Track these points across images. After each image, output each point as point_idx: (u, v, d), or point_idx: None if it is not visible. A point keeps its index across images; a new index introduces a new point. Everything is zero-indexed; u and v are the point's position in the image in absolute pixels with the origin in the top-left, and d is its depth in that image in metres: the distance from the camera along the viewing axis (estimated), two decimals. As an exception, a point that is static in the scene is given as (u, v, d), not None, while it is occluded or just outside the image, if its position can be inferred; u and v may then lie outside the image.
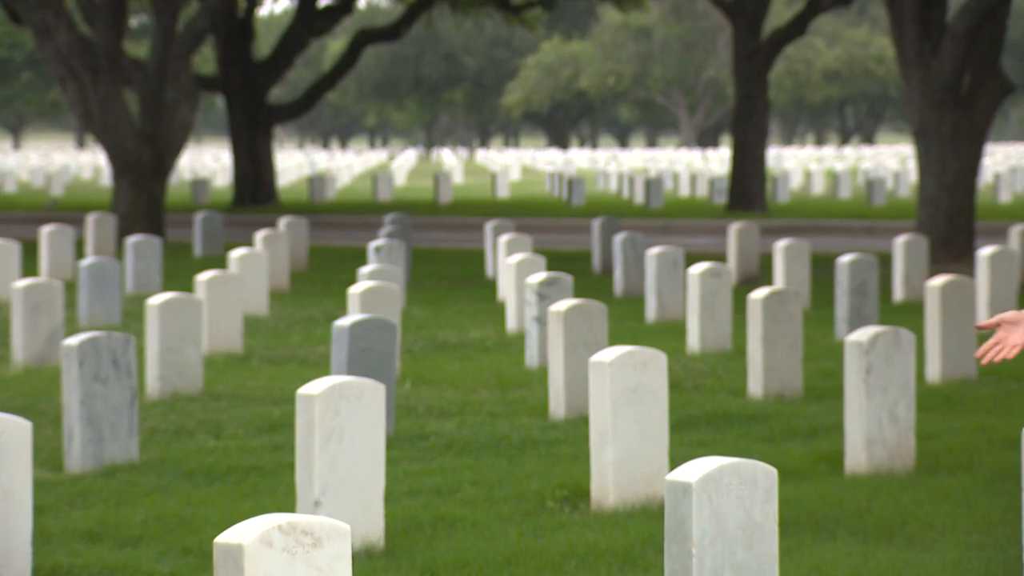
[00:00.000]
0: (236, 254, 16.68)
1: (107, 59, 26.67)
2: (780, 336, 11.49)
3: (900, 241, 17.92)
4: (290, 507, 8.21)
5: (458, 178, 61.67)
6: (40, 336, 13.08)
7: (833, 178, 46.83)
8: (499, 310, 17.30)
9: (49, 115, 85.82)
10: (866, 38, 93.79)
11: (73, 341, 9.30)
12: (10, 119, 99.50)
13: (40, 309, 13.07)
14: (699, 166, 61.83)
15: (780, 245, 17.11)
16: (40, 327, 13.08)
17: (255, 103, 38.07)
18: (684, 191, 48.54)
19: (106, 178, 58.35)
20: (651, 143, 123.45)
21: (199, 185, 43.68)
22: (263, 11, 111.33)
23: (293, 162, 70.92)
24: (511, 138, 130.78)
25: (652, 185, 39.32)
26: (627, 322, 15.85)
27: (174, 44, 27.62)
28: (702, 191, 46.63)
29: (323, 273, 21.77)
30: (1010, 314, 4.65)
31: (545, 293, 12.96)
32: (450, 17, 41.53)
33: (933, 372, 12.21)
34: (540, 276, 13.17)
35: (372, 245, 17.94)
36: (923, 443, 9.66)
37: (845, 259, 14.63)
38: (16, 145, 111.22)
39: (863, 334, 9.13)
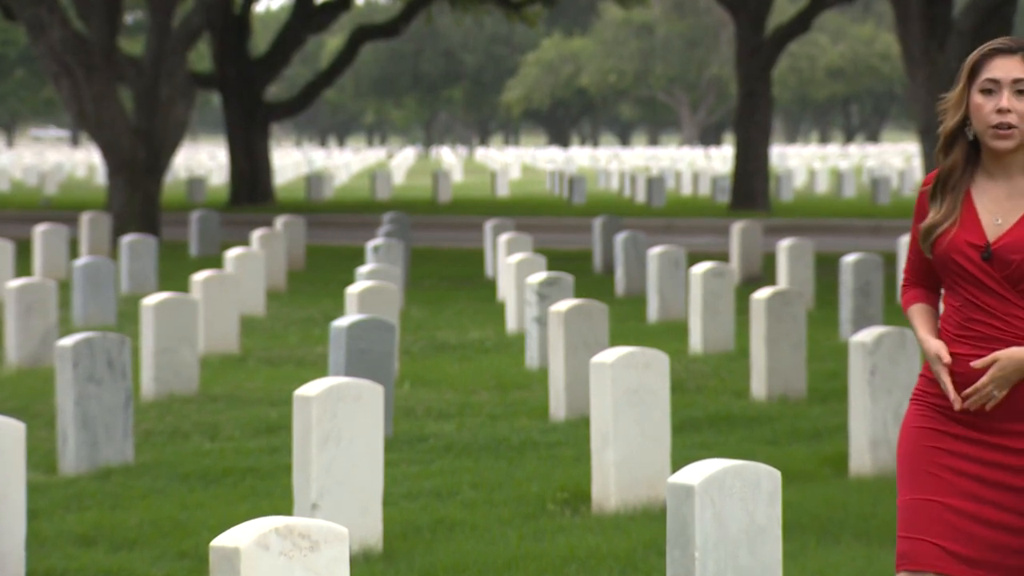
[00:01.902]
0: (232, 254, 16.61)
1: (101, 56, 26.58)
2: (783, 337, 11.41)
3: (905, 240, 17.83)
4: (287, 510, 8.16)
5: (457, 177, 61.65)
6: (34, 337, 13.02)
7: (837, 177, 46.78)
8: (499, 310, 17.22)
9: (43, 113, 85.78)
10: (871, 35, 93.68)
11: (67, 342, 9.26)
12: (3, 116, 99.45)
13: (34, 309, 13.01)
14: (701, 164, 61.74)
15: (783, 244, 17.03)
16: (34, 327, 13.01)
17: (252, 100, 38.00)
18: (686, 190, 48.49)
19: (100, 176, 58.22)
20: (653, 141, 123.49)
21: (195, 184, 43.64)
22: (260, 7, 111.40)
23: (290, 160, 70.89)
24: (511, 136, 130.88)
25: (654, 184, 39.26)
26: (628, 322, 15.77)
27: (169, 40, 27.53)
28: (704, 190, 46.57)
29: (321, 273, 21.72)
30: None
31: (545, 293, 12.88)
32: (449, 14, 41.46)
33: (938, 373, 12.08)
34: (540, 276, 13.10)
35: (370, 244, 17.89)
36: (929, 445, 9.56)
37: (849, 259, 14.55)
38: (9, 143, 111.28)
39: (867, 335, 9.09)
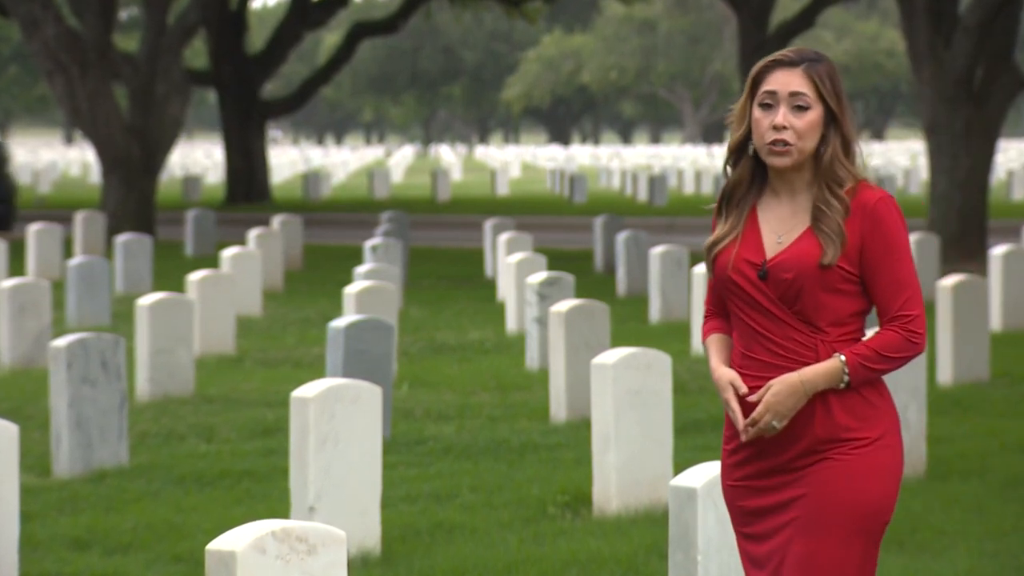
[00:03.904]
0: (228, 253, 16.51)
1: (96, 53, 26.49)
2: (786, 337, 11.29)
3: (911, 240, 17.72)
4: (284, 513, 8.09)
5: (457, 175, 61.60)
6: (27, 337, 12.93)
7: (838, 175, 46.54)
8: (499, 310, 17.13)
9: (36, 110, 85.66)
10: (876, 31, 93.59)
11: (61, 342, 9.19)
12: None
13: (27, 310, 12.93)
14: (704, 163, 61.62)
15: (784, 243, 16.90)
16: (27, 328, 12.93)
17: (248, 98, 37.90)
18: (689, 188, 48.43)
19: (95, 175, 58.10)
20: (655, 139, 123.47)
21: (190, 182, 43.59)
22: (256, 3, 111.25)
23: (287, 159, 70.84)
24: (511, 134, 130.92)
25: (656, 182, 39.20)
26: (630, 323, 15.69)
27: (165, 37, 27.45)
28: (707, 188, 46.49)
29: (318, 273, 21.62)
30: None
31: (546, 293, 12.78)
32: (448, 10, 41.40)
33: (944, 375, 12.01)
34: (541, 276, 13.01)
35: (368, 244, 17.80)
36: (934, 448, 9.52)
37: (852, 258, 14.42)
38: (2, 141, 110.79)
39: (871, 335, 8.97)
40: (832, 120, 4.22)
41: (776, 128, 4.19)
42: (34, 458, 9.52)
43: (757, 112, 4.22)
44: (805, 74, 4.21)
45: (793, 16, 33.97)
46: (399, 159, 73.40)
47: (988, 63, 21.18)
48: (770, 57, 4.24)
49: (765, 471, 4.22)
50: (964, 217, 21.33)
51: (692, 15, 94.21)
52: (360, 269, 14.72)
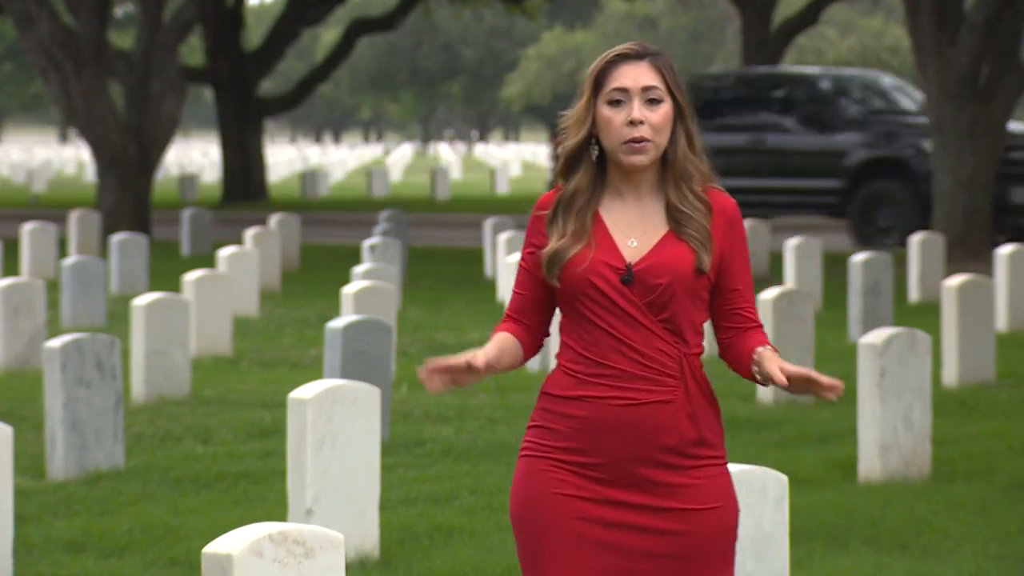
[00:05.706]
0: (225, 253, 16.43)
1: (91, 50, 26.40)
2: (791, 338, 11.27)
3: (915, 239, 17.67)
4: (281, 516, 8.04)
5: (456, 174, 61.53)
6: (21, 338, 12.87)
7: (837, 173, 46.55)
8: (498, 311, 17.05)
9: (31, 108, 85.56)
10: (880, 28, 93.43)
11: (55, 343, 9.13)
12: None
13: (21, 310, 12.86)
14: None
15: (791, 243, 16.91)
16: (21, 328, 12.87)
17: (245, 95, 37.81)
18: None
19: (90, 174, 58.00)
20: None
21: (186, 181, 43.48)
22: (253, 0, 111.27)
23: (284, 157, 70.76)
24: (511, 132, 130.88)
25: (651, 181, 39.05)
26: (629, 321, 15.59)
27: (160, 34, 27.36)
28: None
29: (315, 272, 21.54)
30: None
31: (545, 292, 12.67)
32: (447, 7, 41.35)
33: (949, 375, 11.95)
34: (540, 274, 12.89)
35: (367, 243, 17.74)
36: (939, 449, 9.46)
37: (858, 258, 14.40)
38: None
39: (877, 336, 8.95)
40: (679, 115, 4.07)
41: (633, 123, 4.02)
42: (28, 460, 9.46)
43: (606, 111, 4.03)
44: (652, 66, 4.05)
45: (796, 13, 33.88)
46: (398, 157, 73.36)
47: (993, 61, 21.13)
48: (612, 52, 4.06)
49: (616, 482, 4.03)
50: (969, 216, 21.27)
51: (694, 12, 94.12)
52: (358, 269, 14.65)
